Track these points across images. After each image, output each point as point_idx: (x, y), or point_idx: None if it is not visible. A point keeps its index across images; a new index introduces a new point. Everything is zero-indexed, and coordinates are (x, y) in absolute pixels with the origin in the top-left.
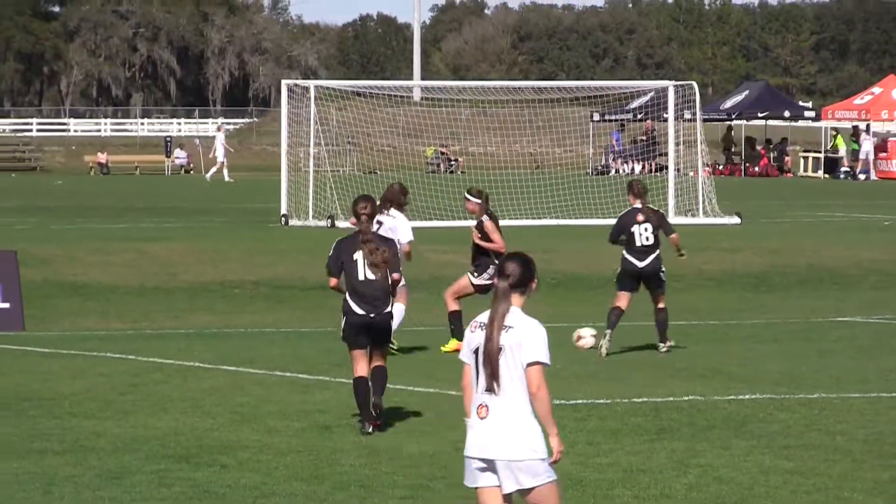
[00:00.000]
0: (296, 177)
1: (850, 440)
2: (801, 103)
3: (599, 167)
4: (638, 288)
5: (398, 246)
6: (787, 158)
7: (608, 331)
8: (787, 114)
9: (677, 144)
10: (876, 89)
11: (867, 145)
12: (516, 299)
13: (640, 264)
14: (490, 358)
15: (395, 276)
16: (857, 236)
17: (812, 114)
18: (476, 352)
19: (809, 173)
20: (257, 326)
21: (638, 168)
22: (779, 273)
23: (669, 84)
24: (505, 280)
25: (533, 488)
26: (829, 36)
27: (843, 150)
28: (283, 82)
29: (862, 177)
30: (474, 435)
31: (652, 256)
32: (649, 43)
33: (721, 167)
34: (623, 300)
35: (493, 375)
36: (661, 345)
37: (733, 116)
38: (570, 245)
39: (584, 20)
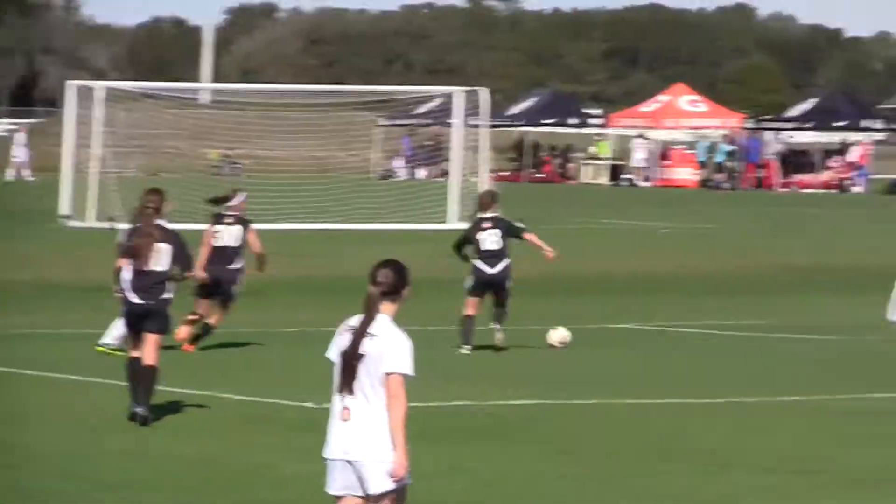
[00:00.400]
0: (80, 178)
1: (620, 444)
2: (588, 110)
3: (385, 171)
4: (484, 295)
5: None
6: (570, 165)
7: (466, 346)
8: (573, 121)
9: (465, 150)
10: (663, 97)
11: (640, 153)
12: (387, 307)
13: (490, 271)
14: (350, 363)
15: (188, 273)
16: (635, 243)
17: (599, 121)
18: (343, 355)
19: (593, 180)
20: (28, 328)
21: (424, 173)
22: (561, 278)
23: (456, 90)
24: (377, 287)
25: (385, 493)
26: (619, 43)
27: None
28: (69, 83)
29: (644, 184)
30: (334, 437)
31: (501, 264)
32: (441, 48)
33: (507, 173)
34: (471, 307)
35: (351, 380)
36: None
37: (520, 123)
38: (355, 247)
39: (376, 25)
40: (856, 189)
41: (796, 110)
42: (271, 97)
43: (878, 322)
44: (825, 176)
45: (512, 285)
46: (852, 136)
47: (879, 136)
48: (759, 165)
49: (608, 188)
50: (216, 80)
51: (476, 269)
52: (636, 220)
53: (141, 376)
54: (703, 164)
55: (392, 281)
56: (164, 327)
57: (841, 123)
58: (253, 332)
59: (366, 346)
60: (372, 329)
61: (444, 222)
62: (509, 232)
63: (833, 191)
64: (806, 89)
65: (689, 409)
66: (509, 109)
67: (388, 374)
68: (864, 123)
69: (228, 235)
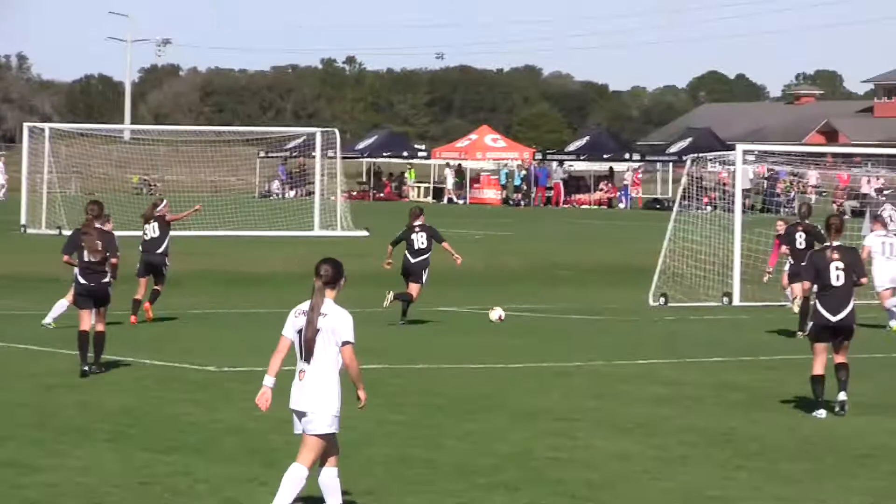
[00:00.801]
0: (34, 196)
1: (445, 399)
2: (416, 146)
3: (263, 192)
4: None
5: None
6: (405, 187)
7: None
8: (405, 154)
9: (322, 176)
10: (472, 136)
11: (451, 178)
12: (329, 293)
13: (413, 260)
14: (308, 337)
15: (114, 260)
16: (454, 246)
17: (424, 154)
18: (299, 332)
19: (421, 199)
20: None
21: (293, 194)
22: (397, 273)
23: (316, 130)
24: (320, 279)
25: (322, 434)
26: (438, 95)
27: (410, 181)
28: (25, 125)
29: (460, 202)
30: (294, 392)
31: (423, 257)
32: (303, 99)
33: (355, 193)
34: (413, 289)
35: (309, 350)
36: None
37: (365, 155)
38: (242, 249)
39: (254, 81)
40: (621, 206)
41: (573, 146)
42: (176, 136)
43: (639, 307)
44: (597, 195)
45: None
46: (617, 166)
47: (636, 165)
48: (548, 188)
49: (433, 205)
50: (134, 122)
51: (404, 259)
52: (456, 229)
53: (94, 342)
54: (504, 187)
55: (331, 273)
56: (107, 302)
57: (607, 155)
58: (169, 313)
59: (321, 322)
60: (323, 309)
61: (310, 230)
62: (434, 236)
63: (603, 206)
64: (580, 130)
65: (498, 372)
66: (357, 145)
67: (343, 344)
68: (625, 156)
69: (153, 230)
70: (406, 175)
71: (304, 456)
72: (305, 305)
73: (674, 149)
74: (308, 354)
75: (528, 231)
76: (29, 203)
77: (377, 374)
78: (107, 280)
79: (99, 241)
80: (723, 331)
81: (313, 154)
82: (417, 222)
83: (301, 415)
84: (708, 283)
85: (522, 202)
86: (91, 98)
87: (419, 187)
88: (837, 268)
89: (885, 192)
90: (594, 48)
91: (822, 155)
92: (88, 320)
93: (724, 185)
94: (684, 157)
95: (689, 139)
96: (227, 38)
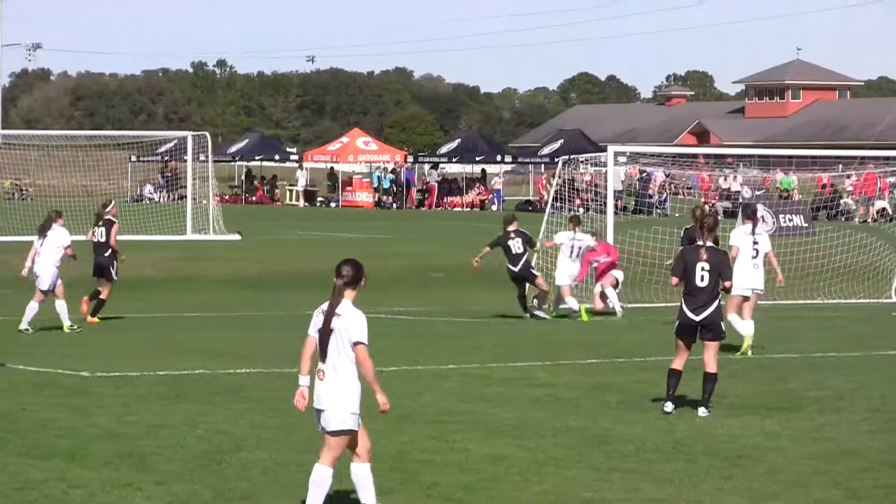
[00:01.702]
0: None
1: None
2: (288, 149)
3: (136, 196)
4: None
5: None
6: (276, 191)
7: None
8: (277, 157)
9: (194, 179)
10: (345, 139)
11: (302, 180)
12: (349, 293)
13: (516, 268)
14: (322, 337)
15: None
16: (329, 249)
17: (296, 157)
18: (319, 332)
19: (293, 202)
20: None
21: (165, 197)
22: (270, 276)
23: (187, 134)
24: (341, 279)
25: (337, 431)
26: (309, 98)
27: (301, 182)
28: None
29: (333, 205)
30: (315, 391)
31: (522, 261)
32: (174, 103)
33: (228, 197)
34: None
35: (324, 349)
36: None
37: (237, 159)
38: None
39: (125, 85)
40: (493, 208)
41: (445, 148)
42: (48, 140)
43: (514, 309)
44: (469, 198)
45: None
46: (489, 168)
47: (508, 167)
48: (421, 190)
49: (306, 208)
50: (5, 127)
51: (508, 269)
52: (329, 232)
53: None
54: (376, 189)
55: (352, 274)
56: None
57: (479, 158)
58: (45, 319)
59: (334, 323)
60: (338, 310)
61: (183, 234)
62: (528, 242)
63: (476, 209)
64: (452, 132)
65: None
66: (228, 148)
67: (354, 344)
68: (497, 158)
69: (101, 233)
70: (301, 175)
71: (325, 456)
72: (325, 305)
73: (545, 150)
74: (323, 353)
75: (401, 234)
76: None
77: (250, 378)
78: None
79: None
80: (597, 332)
81: (185, 158)
82: (511, 227)
83: (320, 413)
84: (582, 284)
85: (394, 205)
86: None
87: (292, 190)
88: (703, 268)
89: (758, 192)
90: (465, 50)
91: (694, 156)
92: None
93: (597, 186)
94: (556, 159)
95: (561, 141)
96: (97, 43)
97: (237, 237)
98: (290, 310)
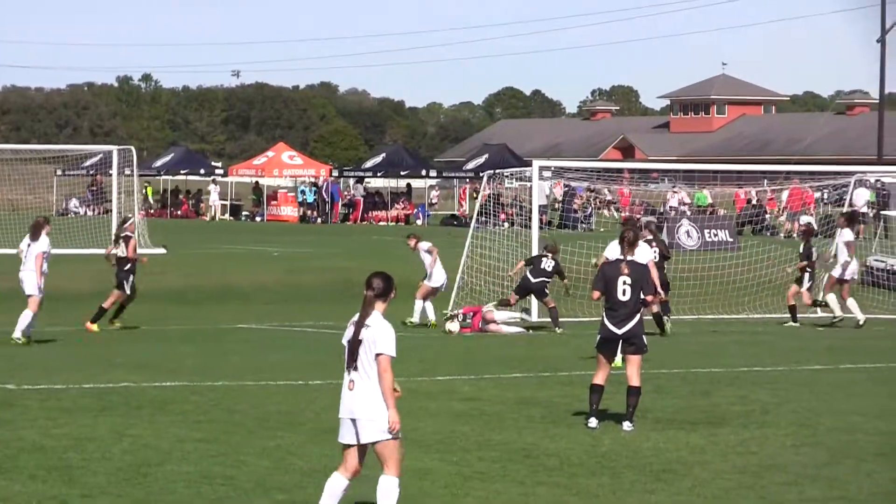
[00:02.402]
0: None
1: (244, 416)
2: (213, 163)
3: (61, 210)
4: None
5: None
6: (202, 205)
7: None
8: (202, 171)
9: (120, 193)
10: (270, 153)
11: (214, 195)
12: (379, 305)
13: (534, 279)
14: (351, 347)
15: None
16: (253, 263)
17: (221, 171)
18: (349, 342)
19: (219, 216)
20: None
21: (91, 211)
22: (194, 290)
23: (112, 148)
24: (371, 291)
25: (378, 441)
26: (235, 112)
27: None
28: None
29: (258, 219)
30: (344, 401)
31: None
32: (100, 117)
33: (153, 211)
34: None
35: (353, 359)
36: None
37: (162, 173)
38: None
39: (50, 99)
40: (418, 222)
41: (370, 162)
42: None
43: (438, 323)
44: (394, 212)
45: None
46: (414, 182)
47: (433, 181)
48: (346, 204)
49: (232, 222)
50: None
51: (524, 279)
52: (255, 246)
53: None
54: (301, 204)
55: (383, 287)
56: None
57: (405, 172)
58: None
59: (363, 334)
60: (367, 321)
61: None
62: (559, 272)
63: (401, 223)
64: (377, 146)
65: (297, 388)
66: (154, 162)
67: (377, 355)
68: (422, 172)
69: (122, 249)
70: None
71: (385, 467)
72: (356, 316)
73: (470, 165)
74: (352, 363)
75: (325, 248)
76: None
77: (175, 391)
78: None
79: None
80: (521, 347)
81: (110, 172)
82: (549, 253)
83: (352, 424)
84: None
85: (319, 219)
86: None
87: (220, 204)
88: (625, 282)
89: (683, 206)
90: (390, 65)
91: (619, 171)
92: None
93: (521, 201)
94: (481, 174)
95: (486, 155)
96: (22, 57)
97: (162, 251)
98: (214, 323)
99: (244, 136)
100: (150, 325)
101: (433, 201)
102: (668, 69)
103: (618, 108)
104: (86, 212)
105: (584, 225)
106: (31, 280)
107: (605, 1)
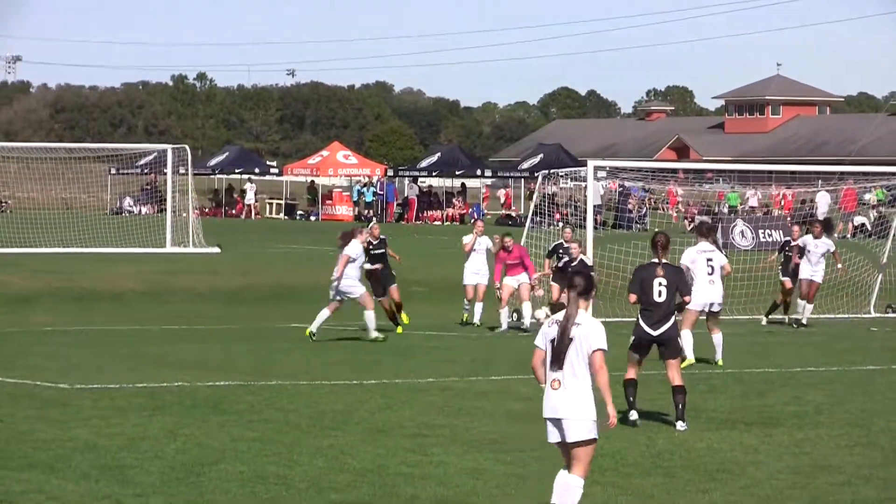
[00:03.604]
0: None
1: (298, 416)
2: (268, 162)
3: (115, 208)
4: None
5: None
6: (256, 204)
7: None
8: (257, 170)
9: (174, 192)
10: (325, 152)
11: (250, 194)
12: (582, 303)
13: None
14: (562, 346)
15: None
16: (308, 262)
17: (276, 171)
18: (552, 341)
19: (274, 215)
20: None
21: (146, 210)
22: (249, 290)
23: (167, 147)
24: (574, 290)
25: (580, 441)
26: (290, 112)
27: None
28: None
29: (313, 218)
30: (549, 401)
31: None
32: (154, 116)
33: (207, 210)
34: None
35: (561, 358)
36: None
37: (217, 172)
38: (94, 266)
39: (105, 97)
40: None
41: (425, 162)
42: (27, 152)
43: (494, 323)
44: (449, 212)
45: None
46: (469, 182)
47: (489, 181)
48: (400, 204)
49: (286, 221)
50: None
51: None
52: (311, 245)
53: None
54: (355, 203)
55: (585, 285)
56: None
57: (459, 172)
58: (20, 329)
59: (573, 332)
60: (577, 320)
61: (162, 247)
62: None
63: (455, 223)
64: (432, 146)
65: (350, 388)
66: (208, 162)
67: (594, 351)
68: (477, 172)
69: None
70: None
71: (576, 467)
72: (559, 315)
73: (525, 165)
74: (560, 363)
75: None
76: None
77: (229, 390)
78: None
79: None
80: None
81: (165, 171)
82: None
83: (557, 423)
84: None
85: (374, 218)
86: None
87: (272, 203)
88: (661, 284)
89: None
90: (445, 64)
91: (674, 171)
92: None
93: (576, 201)
94: (536, 174)
95: (541, 155)
96: (77, 55)
97: (216, 250)
98: (269, 322)
99: (299, 135)
100: (205, 325)
101: (501, 200)
102: (722, 69)
103: (673, 108)
104: (140, 210)
105: (638, 225)
106: (349, 283)
107: (660, 0)
